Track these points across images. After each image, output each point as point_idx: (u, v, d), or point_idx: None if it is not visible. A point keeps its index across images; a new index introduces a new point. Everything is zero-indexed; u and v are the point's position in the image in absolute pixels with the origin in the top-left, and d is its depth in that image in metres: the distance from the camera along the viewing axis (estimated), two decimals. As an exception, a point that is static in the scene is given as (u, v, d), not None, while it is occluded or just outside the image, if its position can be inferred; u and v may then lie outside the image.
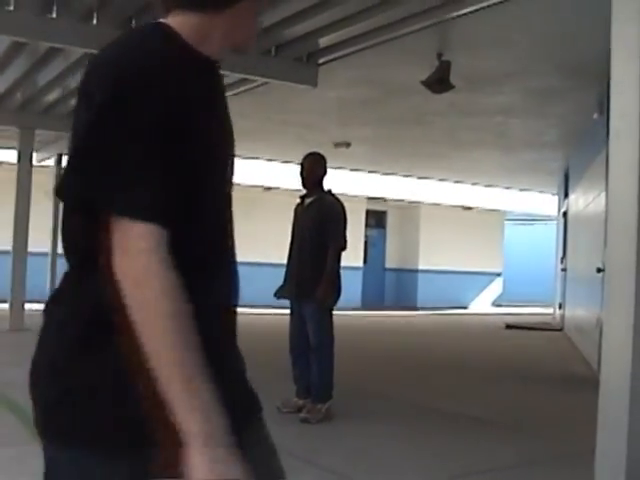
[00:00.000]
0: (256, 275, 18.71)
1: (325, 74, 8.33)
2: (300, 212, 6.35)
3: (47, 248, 14.79)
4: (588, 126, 11.12)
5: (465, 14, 6.40)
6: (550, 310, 19.80)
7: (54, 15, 6.95)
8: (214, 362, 1.29)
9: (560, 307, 17.29)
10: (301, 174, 6.29)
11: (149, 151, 1.30)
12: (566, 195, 16.63)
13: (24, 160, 12.29)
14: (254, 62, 7.94)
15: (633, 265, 3.50)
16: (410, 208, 23.43)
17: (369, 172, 19.55)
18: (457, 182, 20.92)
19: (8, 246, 12.24)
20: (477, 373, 9.53)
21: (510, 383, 8.76)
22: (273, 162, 18.07)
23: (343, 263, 6.20)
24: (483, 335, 15.48)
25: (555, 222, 19.97)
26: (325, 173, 6.33)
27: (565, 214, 16.78)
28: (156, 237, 1.28)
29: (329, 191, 6.29)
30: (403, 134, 13.78)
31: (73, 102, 11.15)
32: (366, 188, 20.73)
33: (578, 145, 13.26)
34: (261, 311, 15.42)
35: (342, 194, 6.86)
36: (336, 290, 6.11)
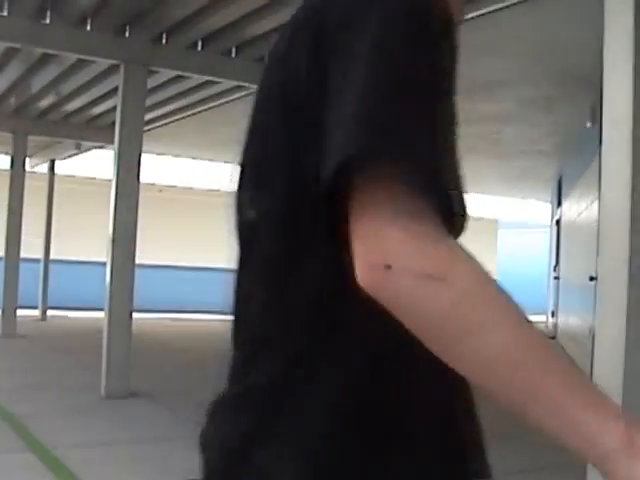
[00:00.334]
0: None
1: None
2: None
3: (40, 254, 14.77)
4: (581, 134, 11.14)
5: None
6: (543, 318, 19.81)
7: (48, 21, 6.94)
8: None
9: (553, 315, 17.29)
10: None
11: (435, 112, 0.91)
12: (559, 203, 16.66)
13: (17, 166, 12.27)
14: (248, 69, 7.94)
15: (625, 274, 3.50)
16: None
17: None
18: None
19: (0, 252, 12.22)
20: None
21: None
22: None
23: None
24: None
25: (548, 230, 20.00)
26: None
27: (558, 222, 16.80)
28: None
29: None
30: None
31: (67, 108, 11.18)
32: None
33: (571, 153, 13.28)
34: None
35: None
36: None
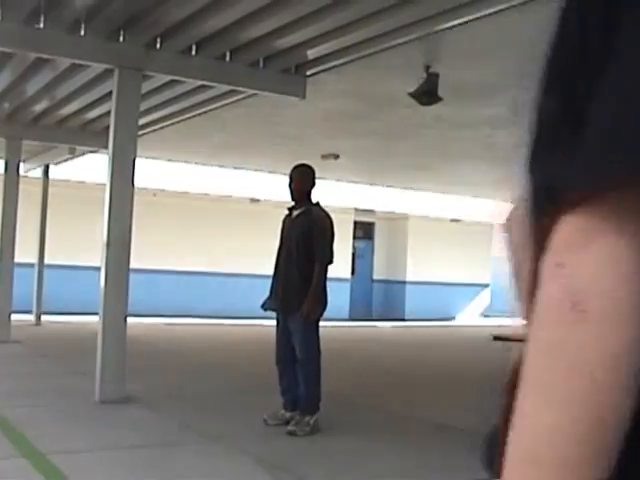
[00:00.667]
0: (244, 286, 18.70)
1: (313, 86, 8.34)
2: (288, 224, 6.35)
3: (34, 259, 14.75)
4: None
5: (453, 27, 6.43)
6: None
7: (42, 26, 6.94)
8: None
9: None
10: (290, 186, 6.29)
11: None
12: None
13: (11, 170, 12.25)
14: (242, 73, 7.95)
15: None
16: (398, 220, 23.46)
17: (357, 183, 19.57)
18: (445, 194, 20.96)
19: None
20: (465, 385, 9.52)
21: (497, 395, 8.75)
22: (260, 173, 18.04)
23: (330, 275, 6.19)
24: (471, 347, 15.48)
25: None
26: (314, 185, 6.33)
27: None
28: None
29: (317, 203, 6.29)
30: (391, 146, 13.80)
31: (61, 112, 11.16)
32: (354, 199, 20.76)
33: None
34: (251, 322, 15.36)
35: (330, 205, 6.86)
36: (322, 303, 6.10)
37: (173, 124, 11.06)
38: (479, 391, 9.10)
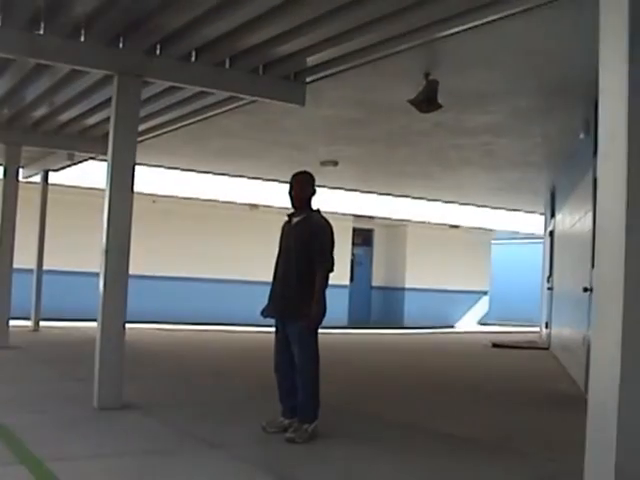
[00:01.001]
0: (243, 293, 18.67)
1: (313, 93, 8.35)
2: (287, 230, 6.34)
3: (33, 265, 14.74)
4: (574, 146, 11.17)
5: (452, 34, 6.43)
6: (536, 329, 19.82)
7: (41, 32, 6.94)
8: None
9: (546, 326, 17.31)
10: (290, 192, 6.28)
11: None
12: (552, 214, 16.69)
13: (10, 176, 12.25)
14: (242, 80, 7.95)
15: (621, 285, 3.52)
16: (397, 226, 23.46)
17: (356, 190, 19.57)
18: (444, 201, 20.97)
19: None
20: (463, 392, 9.51)
21: (496, 402, 8.74)
22: (259, 180, 18.04)
23: (330, 281, 6.17)
24: (470, 354, 15.46)
25: (542, 241, 20.03)
26: (314, 192, 6.32)
27: (552, 233, 16.83)
28: None
29: (317, 210, 6.28)
30: (390, 153, 13.81)
31: (61, 118, 11.15)
32: (353, 206, 20.76)
33: (564, 165, 13.32)
34: (250, 329, 15.34)
35: (329, 212, 6.85)
36: (322, 310, 6.08)
37: (173, 130, 11.07)
38: (478, 398, 9.11)
